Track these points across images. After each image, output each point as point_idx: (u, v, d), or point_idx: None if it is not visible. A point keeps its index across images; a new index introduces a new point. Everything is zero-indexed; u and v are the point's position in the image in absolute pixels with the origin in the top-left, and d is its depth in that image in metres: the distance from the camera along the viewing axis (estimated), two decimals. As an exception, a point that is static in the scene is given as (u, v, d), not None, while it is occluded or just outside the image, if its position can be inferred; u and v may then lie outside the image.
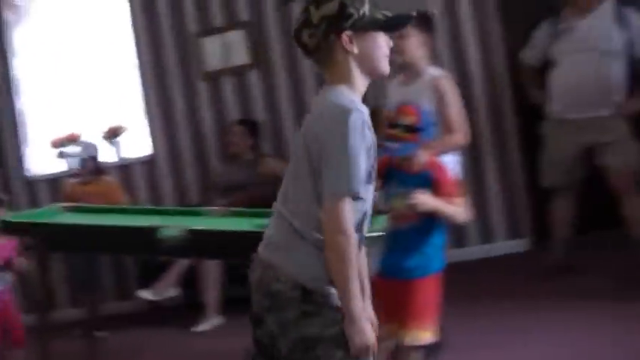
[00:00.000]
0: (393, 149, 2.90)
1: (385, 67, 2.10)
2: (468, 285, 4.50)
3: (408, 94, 3.48)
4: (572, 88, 4.36)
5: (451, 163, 3.44)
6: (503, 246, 5.39)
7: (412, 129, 2.87)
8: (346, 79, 2.06)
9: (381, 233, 2.84)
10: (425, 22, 3.76)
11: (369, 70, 2.08)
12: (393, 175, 2.93)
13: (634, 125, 4.36)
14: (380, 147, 2.18)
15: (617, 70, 4.34)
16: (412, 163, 2.91)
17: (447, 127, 3.54)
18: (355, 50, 2.04)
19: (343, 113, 1.95)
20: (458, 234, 5.19)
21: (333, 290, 2.00)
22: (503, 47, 5.35)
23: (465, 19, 5.37)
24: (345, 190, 1.95)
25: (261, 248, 2.10)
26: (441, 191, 2.87)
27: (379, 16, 2.07)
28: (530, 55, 4.73)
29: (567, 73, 4.40)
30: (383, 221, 2.88)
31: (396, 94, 3.69)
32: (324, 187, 1.96)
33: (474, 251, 5.37)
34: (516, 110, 5.31)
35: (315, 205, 1.98)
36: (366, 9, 2.04)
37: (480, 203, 5.26)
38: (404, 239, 2.89)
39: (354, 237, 1.96)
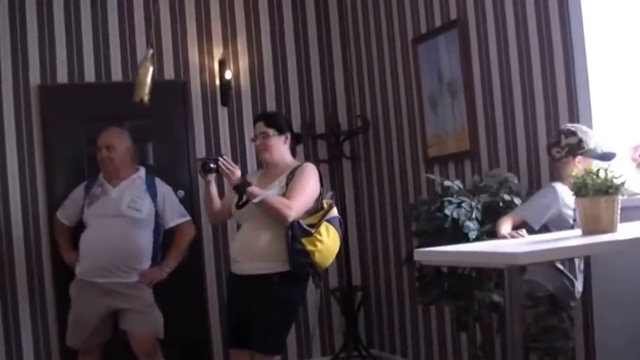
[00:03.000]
0: None
1: None
2: None
3: None
4: (98, 252, 4.39)
5: None
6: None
7: None
8: (569, 180, 3.22)
9: None
10: None
11: None
12: None
13: (157, 293, 4.49)
14: None
15: (144, 238, 4.49)
16: None
17: None
18: (580, 167, 3.35)
19: None
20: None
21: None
22: (45, 199, 5.24)
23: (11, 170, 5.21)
24: None
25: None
26: None
27: (598, 151, 3.49)
28: (63, 214, 4.72)
29: (95, 237, 4.44)
30: None
31: None
32: None
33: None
34: (54, 268, 5.18)
35: None
36: (591, 145, 3.50)
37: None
38: None
39: None
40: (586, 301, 3.91)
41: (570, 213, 3.48)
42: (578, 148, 3.51)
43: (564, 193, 3.46)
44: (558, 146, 3.57)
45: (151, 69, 4.30)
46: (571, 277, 3.52)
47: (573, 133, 3.54)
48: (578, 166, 3.44)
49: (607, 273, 3.76)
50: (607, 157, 3.50)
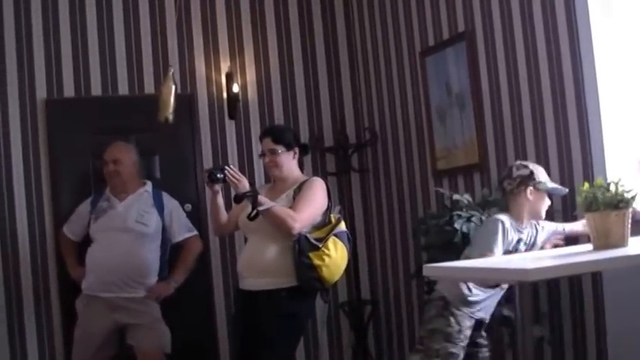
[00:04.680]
0: None
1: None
2: None
3: None
4: (105, 266, 4.37)
5: None
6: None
7: None
8: (518, 213, 3.56)
9: None
10: None
11: (533, 213, 3.57)
12: None
13: (164, 308, 4.46)
14: None
15: (151, 253, 4.47)
16: None
17: None
18: (532, 199, 3.52)
19: None
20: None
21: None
22: (51, 213, 5.19)
23: (17, 185, 5.17)
24: None
25: None
26: None
27: (548, 185, 3.55)
28: (69, 229, 4.71)
29: (102, 251, 4.42)
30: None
31: None
32: None
33: None
34: (60, 283, 5.14)
35: None
36: (542, 178, 3.55)
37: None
38: None
39: None
40: (598, 315, 3.86)
41: (513, 246, 3.53)
42: (529, 179, 3.55)
43: (508, 225, 3.51)
44: (510, 178, 3.59)
45: (173, 88, 4.36)
46: (470, 286, 3.53)
47: (525, 167, 3.61)
48: (530, 198, 3.53)
49: (619, 287, 3.71)
50: (557, 191, 3.63)
